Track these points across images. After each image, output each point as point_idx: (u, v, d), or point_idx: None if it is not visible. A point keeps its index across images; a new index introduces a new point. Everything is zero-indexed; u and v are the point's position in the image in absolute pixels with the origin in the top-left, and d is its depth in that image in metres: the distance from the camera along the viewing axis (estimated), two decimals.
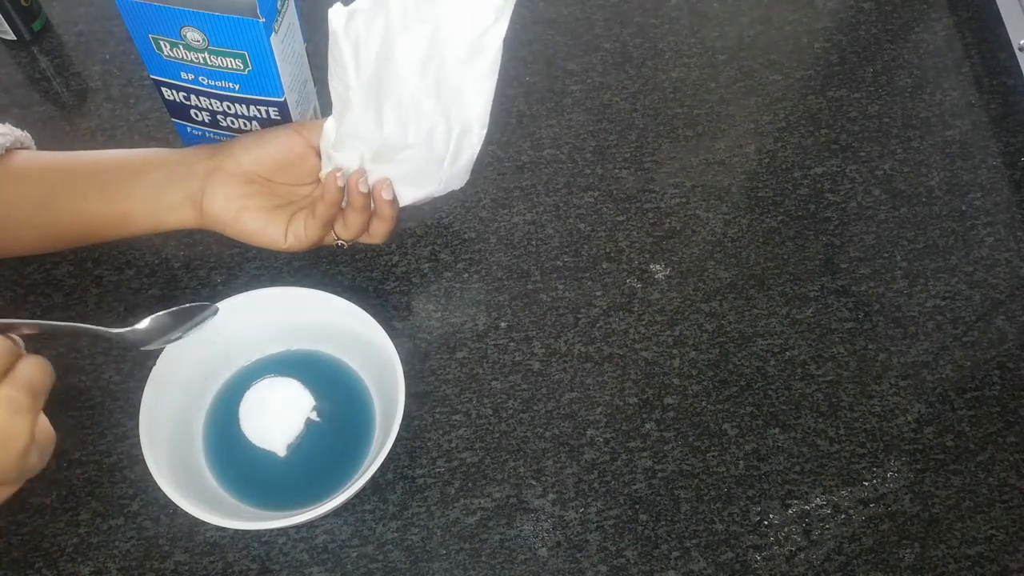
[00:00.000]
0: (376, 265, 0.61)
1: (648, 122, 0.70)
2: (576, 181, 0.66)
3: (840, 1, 0.79)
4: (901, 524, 0.52)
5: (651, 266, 0.62)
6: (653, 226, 0.64)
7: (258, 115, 0.57)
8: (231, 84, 0.55)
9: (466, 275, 0.61)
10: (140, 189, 0.52)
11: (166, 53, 0.53)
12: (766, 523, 0.52)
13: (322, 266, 0.61)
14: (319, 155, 0.53)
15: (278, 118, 0.57)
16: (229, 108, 0.57)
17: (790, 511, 0.52)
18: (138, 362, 0.56)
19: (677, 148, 0.68)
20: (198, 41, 0.52)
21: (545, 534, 0.51)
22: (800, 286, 0.61)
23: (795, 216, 0.65)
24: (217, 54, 0.52)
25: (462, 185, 0.58)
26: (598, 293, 0.61)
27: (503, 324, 0.59)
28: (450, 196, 0.65)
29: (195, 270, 0.60)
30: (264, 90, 0.55)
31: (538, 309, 0.60)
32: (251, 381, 0.53)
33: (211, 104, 0.57)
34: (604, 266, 0.62)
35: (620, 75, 0.73)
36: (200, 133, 0.61)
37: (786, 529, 0.52)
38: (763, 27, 0.77)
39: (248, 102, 0.56)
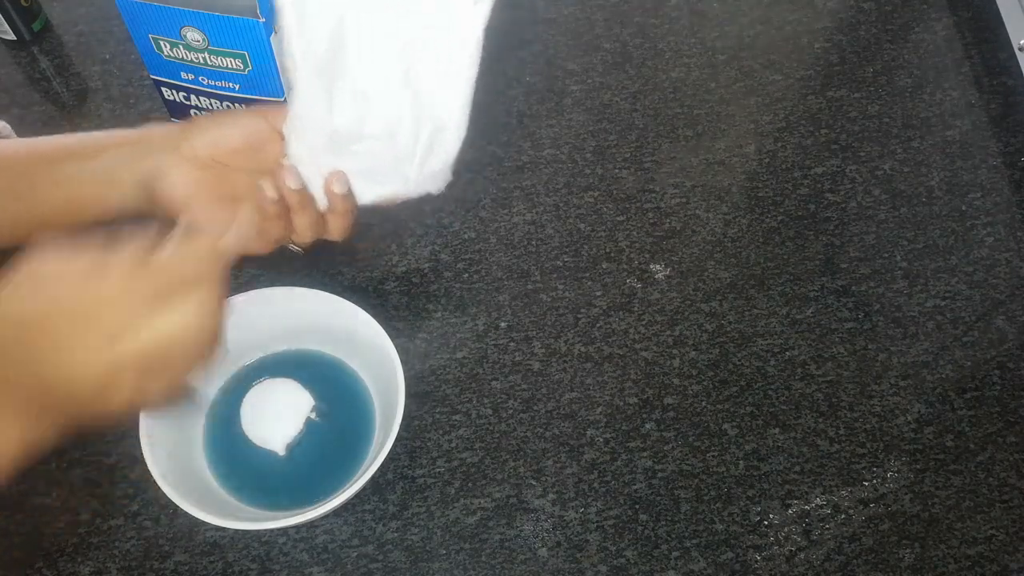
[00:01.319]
0: (376, 265, 0.61)
1: (648, 122, 0.70)
2: (576, 181, 0.66)
3: (840, 1, 0.79)
4: (901, 524, 0.52)
5: (651, 266, 0.62)
6: (653, 226, 0.64)
7: None
8: (231, 84, 0.55)
9: (466, 275, 0.61)
10: (92, 172, 0.49)
11: (166, 53, 0.53)
12: (766, 523, 0.52)
13: (322, 266, 0.61)
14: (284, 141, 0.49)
15: None
16: (229, 108, 0.57)
17: (790, 511, 0.52)
18: None
19: (677, 148, 0.68)
20: (198, 41, 0.52)
21: (545, 534, 0.51)
22: (800, 286, 0.61)
23: (795, 216, 0.65)
24: (217, 54, 0.52)
25: (440, 189, 0.53)
26: (598, 293, 0.61)
27: (503, 324, 0.59)
28: (450, 196, 0.65)
29: None
30: (264, 90, 0.55)
31: (538, 309, 0.60)
32: (251, 381, 0.53)
33: (211, 104, 0.57)
34: (604, 266, 0.62)
35: (620, 75, 0.73)
36: None
37: (786, 529, 0.52)
38: (763, 27, 0.77)
39: (248, 102, 0.56)
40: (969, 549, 0.52)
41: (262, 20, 0.50)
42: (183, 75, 0.55)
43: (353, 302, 0.51)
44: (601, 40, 0.75)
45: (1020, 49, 0.73)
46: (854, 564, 0.51)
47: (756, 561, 0.51)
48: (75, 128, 0.68)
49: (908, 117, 0.71)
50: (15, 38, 0.71)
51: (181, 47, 0.52)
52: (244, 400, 0.52)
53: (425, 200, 0.64)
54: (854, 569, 0.51)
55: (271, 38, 0.51)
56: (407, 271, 0.61)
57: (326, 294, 0.51)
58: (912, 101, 0.72)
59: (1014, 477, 0.54)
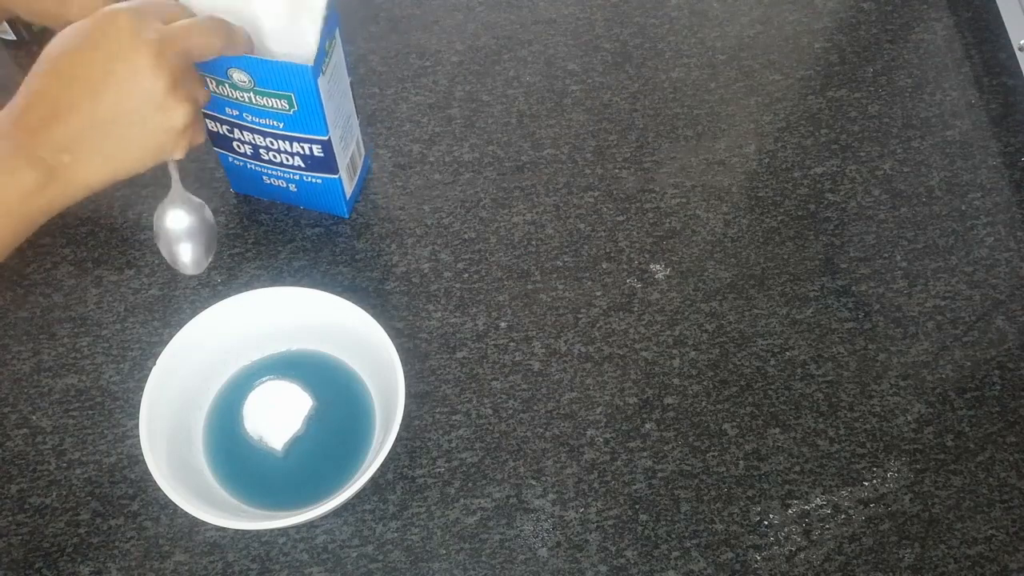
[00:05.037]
0: (376, 265, 0.61)
1: (648, 122, 0.70)
2: (576, 181, 0.66)
3: (840, 1, 0.79)
4: (901, 524, 0.52)
5: (651, 266, 0.62)
6: (653, 226, 0.64)
7: (301, 151, 0.57)
8: (275, 122, 0.54)
9: (466, 275, 0.61)
10: None
11: (212, 89, 0.53)
12: (766, 523, 0.52)
13: (322, 266, 0.61)
14: None
15: (321, 155, 0.57)
16: (272, 144, 0.57)
17: (790, 511, 0.52)
18: (138, 362, 0.56)
19: (677, 148, 0.68)
20: (244, 82, 0.51)
21: (545, 534, 0.51)
22: (800, 286, 0.61)
23: (795, 216, 0.65)
24: (263, 94, 0.52)
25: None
26: (598, 293, 0.61)
27: (503, 324, 0.59)
28: (450, 196, 0.65)
29: None
30: (309, 129, 0.54)
31: (538, 309, 0.60)
32: (251, 381, 0.53)
33: (254, 139, 0.57)
34: (604, 266, 0.62)
35: (620, 75, 0.73)
36: (242, 164, 0.60)
37: (786, 529, 0.52)
38: (763, 27, 0.77)
39: (292, 139, 0.56)
40: (969, 549, 0.52)
41: (311, 64, 0.49)
42: (227, 110, 0.55)
43: (353, 302, 0.51)
44: (601, 40, 0.75)
45: (1020, 49, 0.73)
46: (854, 564, 0.51)
47: (756, 561, 0.51)
48: None
49: (908, 117, 0.71)
50: (15, 38, 0.71)
51: (227, 85, 0.52)
52: (244, 400, 0.52)
53: (425, 200, 0.65)
54: (854, 569, 0.51)
55: (318, 80, 0.51)
56: (407, 271, 0.61)
57: (326, 294, 0.51)
58: (912, 101, 0.72)
59: (1014, 477, 0.54)
